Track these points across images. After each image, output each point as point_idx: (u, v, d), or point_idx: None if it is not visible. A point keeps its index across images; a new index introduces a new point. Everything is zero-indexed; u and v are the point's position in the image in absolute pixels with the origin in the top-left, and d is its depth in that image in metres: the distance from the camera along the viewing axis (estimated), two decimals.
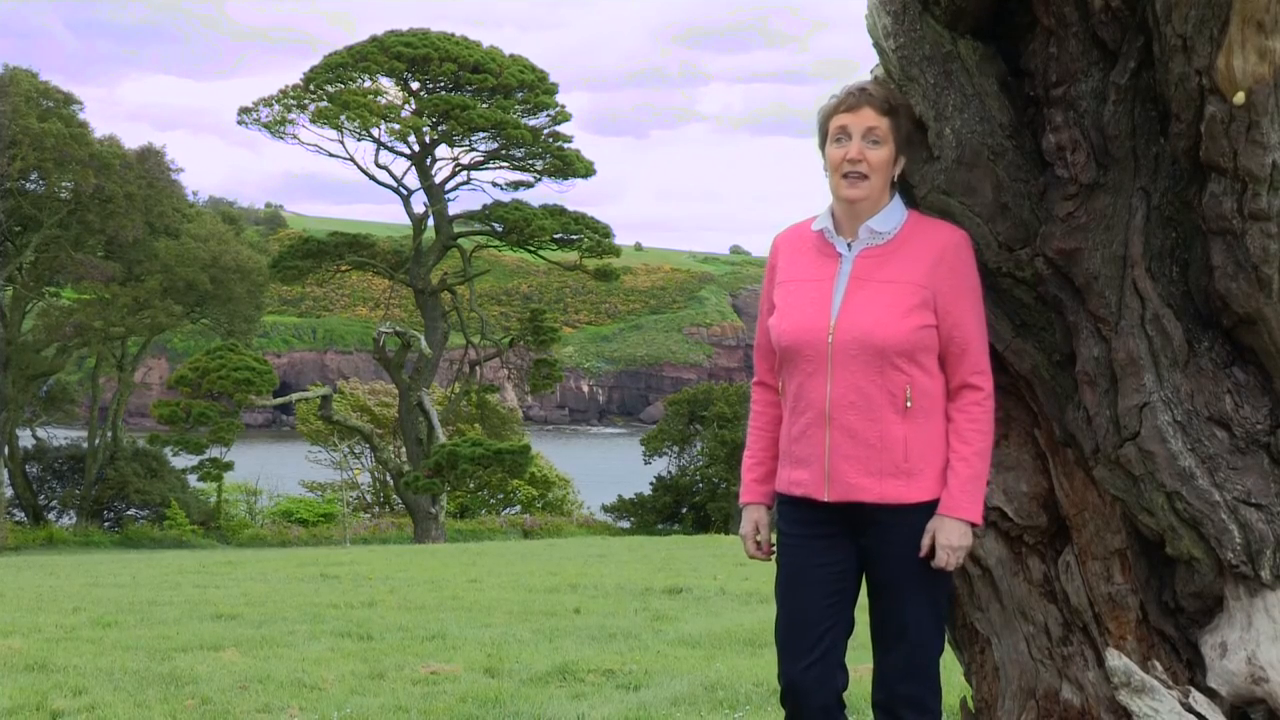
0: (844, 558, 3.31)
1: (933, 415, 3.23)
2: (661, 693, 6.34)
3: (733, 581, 12.98)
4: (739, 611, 10.26)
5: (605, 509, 37.39)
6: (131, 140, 40.36)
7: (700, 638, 8.49)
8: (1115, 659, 3.25)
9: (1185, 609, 3.26)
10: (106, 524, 34.07)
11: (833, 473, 3.24)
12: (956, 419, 3.24)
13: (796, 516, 3.33)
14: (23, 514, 34.67)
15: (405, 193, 35.57)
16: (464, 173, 35.59)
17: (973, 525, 3.24)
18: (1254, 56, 2.75)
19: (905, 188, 3.36)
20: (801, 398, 3.27)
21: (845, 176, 3.13)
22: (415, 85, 34.34)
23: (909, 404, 3.22)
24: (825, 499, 3.23)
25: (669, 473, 37.37)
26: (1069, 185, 3.11)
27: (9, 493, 33.86)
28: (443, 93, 33.96)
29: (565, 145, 35.41)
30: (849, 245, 3.24)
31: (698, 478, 36.86)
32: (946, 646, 3.61)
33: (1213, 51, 2.75)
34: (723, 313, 78.68)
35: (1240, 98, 2.77)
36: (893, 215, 3.20)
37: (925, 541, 3.21)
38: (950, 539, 3.20)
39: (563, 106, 35.36)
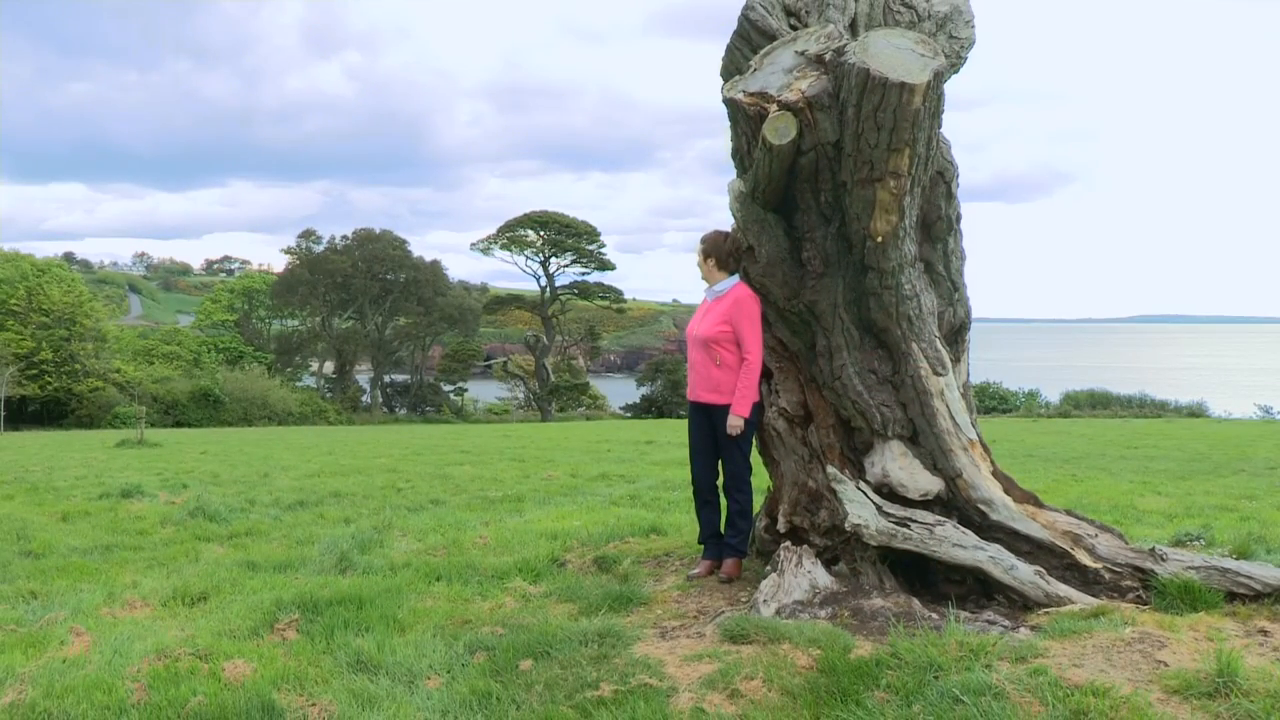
0: (709, 430, 5.10)
1: (732, 368, 4.83)
2: (645, 484, 10.10)
3: (680, 436, 18.83)
4: (680, 449, 15.13)
5: (621, 409, 60.93)
6: (428, 255, 68.10)
7: (664, 460, 13.10)
8: (831, 469, 4.75)
9: (859, 448, 4.84)
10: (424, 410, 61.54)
11: (691, 388, 4.98)
12: (739, 371, 4.77)
13: (690, 410, 5.15)
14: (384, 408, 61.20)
15: (538, 277, 65.52)
16: (562, 270, 65.49)
17: (743, 417, 4.85)
18: (883, 222, 4.42)
19: (745, 272, 4.92)
20: (688, 358, 5.03)
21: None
22: (543, 233, 63.42)
23: (718, 362, 4.80)
24: (690, 399, 5.08)
25: (650, 391, 61.28)
26: (812, 273, 4.67)
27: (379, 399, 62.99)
28: (555, 237, 63.47)
29: (604, 254, 64.93)
30: (707, 296, 5.00)
31: (663, 394, 59.42)
32: (759, 463, 5.34)
33: (869, 220, 4.37)
34: (679, 326, 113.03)
35: (879, 238, 4.34)
36: (725, 284, 4.92)
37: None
38: (729, 422, 4.85)
39: (602, 241, 64.75)
